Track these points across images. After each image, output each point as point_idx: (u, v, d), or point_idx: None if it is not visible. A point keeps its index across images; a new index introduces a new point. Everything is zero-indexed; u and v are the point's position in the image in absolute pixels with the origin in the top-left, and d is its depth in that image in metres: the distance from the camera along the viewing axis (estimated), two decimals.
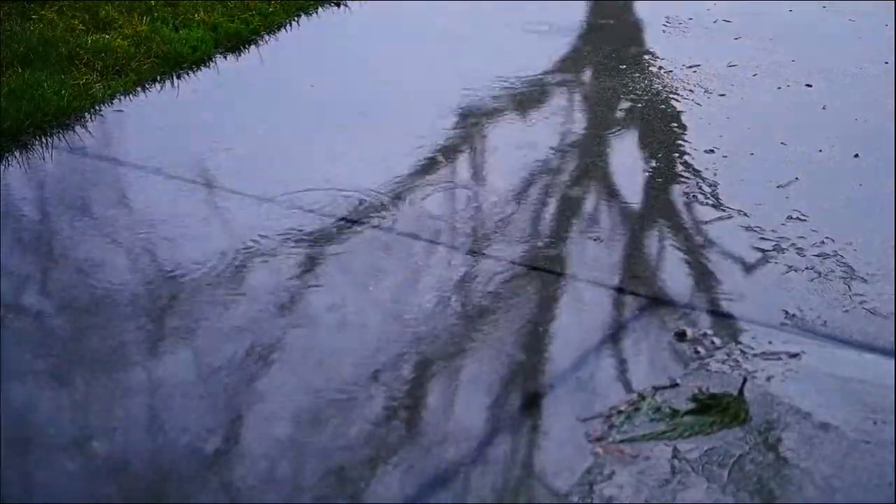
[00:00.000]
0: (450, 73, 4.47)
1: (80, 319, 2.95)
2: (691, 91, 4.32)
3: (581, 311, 3.03)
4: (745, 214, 3.45)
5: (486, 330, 2.93)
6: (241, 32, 4.74)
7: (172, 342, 2.87)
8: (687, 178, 3.69)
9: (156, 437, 2.55)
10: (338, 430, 2.58)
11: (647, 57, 4.65)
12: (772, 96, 4.32)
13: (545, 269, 3.20)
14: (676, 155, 3.84)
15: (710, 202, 3.53)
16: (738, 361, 2.80)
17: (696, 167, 3.75)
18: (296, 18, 4.99)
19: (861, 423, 2.61)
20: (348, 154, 3.82)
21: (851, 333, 2.92)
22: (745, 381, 2.72)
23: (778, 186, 3.63)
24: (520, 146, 3.89)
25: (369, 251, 3.27)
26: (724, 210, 3.48)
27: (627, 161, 3.82)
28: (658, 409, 2.63)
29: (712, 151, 3.85)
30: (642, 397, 2.67)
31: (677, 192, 3.60)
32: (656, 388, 2.71)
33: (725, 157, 3.82)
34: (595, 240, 3.34)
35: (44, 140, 3.84)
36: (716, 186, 3.62)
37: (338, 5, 5.17)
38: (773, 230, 3.37)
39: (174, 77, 4.37)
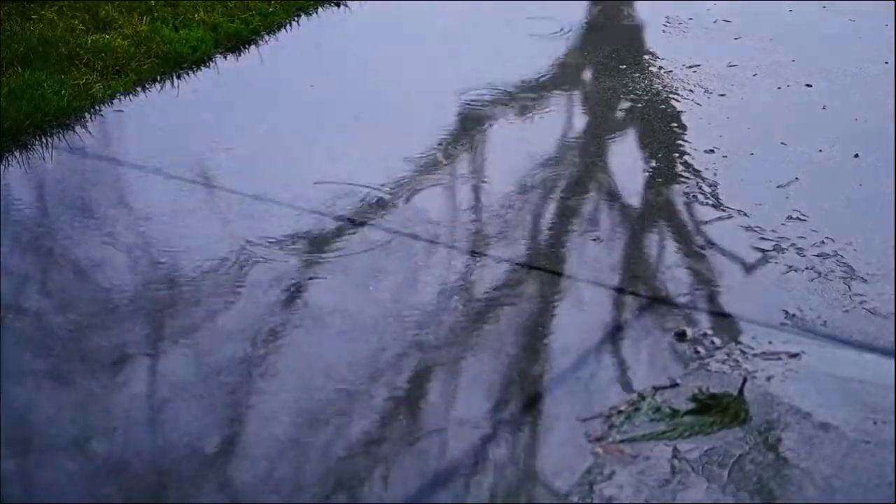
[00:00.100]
0: (450, 73, 4.47)
1: (79, 319, 2.95)
2: (691, 91, 4.32)
3: (581, 311, 3.03)
4: (745, 214, 3.45)
5: (486, 330, 2.93)
6: (241, 32, 4.74)
7: (172, 342, 2.87)
8: (687, 178, 3.69)
9: (155, 437, 2.55)
10: (338, 429, 2.58)
11: (647, 57, 4.65)
12: (772, 96, 4.32)
13: (545, 269, 3.20)
14: (676, 155, 3.84)
15: (710, 202, 3.53)
16: (738, 361, 2.80)
17: (696, 167, 3.75)
18: (296, 18, 4.98)
19: (861, 423, 2.61)
20: (348, 154, 3.82)
21: (851, 333, 2.92)
22: (745, 381, 2.72)
23: (778, 186, 3.63)
24: (520, 146, 3.89)
25: (369, 251, 3.27)
26: (724, 210, 3.48)
27: (627, 161, 3.82)
28: (658, 409, 2.63)
29: (712, 151, 3.85)
30: (642, 397, 2.67)
31: (677, 192, 3.61)
32: (656, 388, 2.71)
33: (725, 157, 3.82)
34: (595, 240, 3.34)
35: (44, 140, 3.84)
36: (716, 186, 3.62)
37: (338, 5, 5.17)
38: (773, 230, 3.37)
39: (174, 77, 4.37)
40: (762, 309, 3.01)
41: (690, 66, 4.53)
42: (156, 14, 4.75)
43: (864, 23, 5.03)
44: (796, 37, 4.86)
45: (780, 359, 2.82)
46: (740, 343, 2.87)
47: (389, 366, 2.78)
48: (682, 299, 3.06)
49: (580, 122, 4.13)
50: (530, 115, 4.15)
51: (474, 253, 3.26)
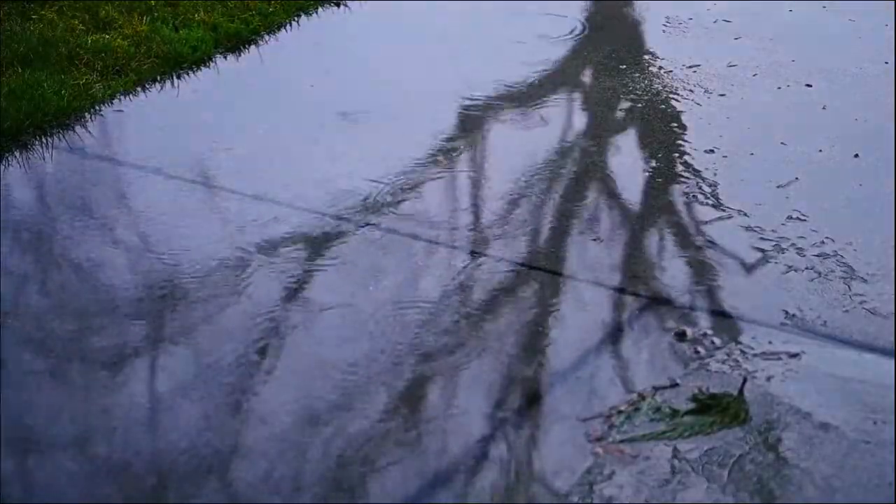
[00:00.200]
0: (450, 73, 4.47)
1: (79, 319, 2.95)
2: (691, 91, 4.31)
3: (581, 311, 3.03)
4: (745, 214, 3.45)
5: (486, 330, 2.93)
6: (241, 32, 4.74)
7: (172, 342, 2.87)
8: (687, 178, 3.69)
9: (155, 437, 2.55)
10: (338, 429, 2.58)
11: (647, 57, 4.65)
12: (772, 96, 4.32)
13: (545, 269, 3.20)
14: (676, 155, 3.84)
15: (710, 202, 3.53)
16: (738, 361, 2.80)
17: (696, 167, 3.75)
18: (296, 18, 4.98)
19: (861, 423, 2.61)
20: (348, 154, 3.82)
21: (851, 333, 2.92)
22: (745, 381, 2.72)
23: (778, 186, 3.63)
24: (519, 146, 3.89)
25: (369, 251, 3.27)
26: (724, 210, 3.48)
27: (627, 161, 3.82)
28: (658, 409, 2.63)
29: (712, 151, 3.85)
30: (642, 397, 2.67)
31: (677, 192, 3.60)
32: (656, 388, 2.71)
33: (725, 157, 3.82)
34: (595, 240, 3.34)
35: (44, 140, 3.84)
36: (716, 186, 3.62)
37: (338, 5, 5.17)
38: (773, 230, 3.37)
39: (174, 77, 4.37)
40: (762, 309, 3.01)
41: (690, 66, 4.53)
42: (156, 14, 4.75)
43: (864, 23, 5.03)
44: (796, 37, 4.86)
45: (780, 359, 2.82)
46: (740, 343, 2.87)
47: (389, 365, 2.78)
48: (682, 299, 3.06)
49: (580, 121, 4.13)
50: (530, 114, 4.15)
51: (474, 253, 3.26)
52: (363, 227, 3.39)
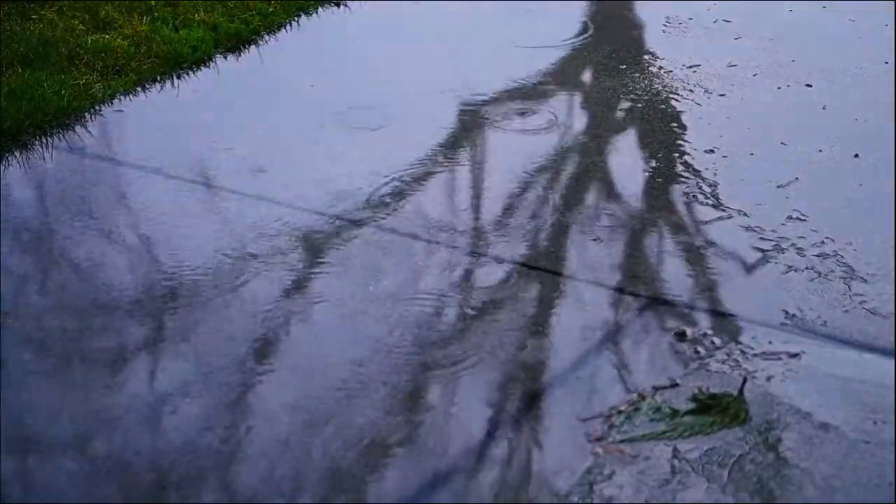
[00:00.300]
0: (450, 73, 4.47)
1: (79, 319, 2.96)
2: (691, 91, 4.31)
3: (581, 311, 3.03)
4: (745, 214, 3.45)
5: (486, 329, 2.93)
6: (241, 32, 4.74)
7: (172, 342, 2.87)
8: (687, 178, 3.69)
9: (155, 437, 2.55)
10: (338, 429, 2.58)
11: (647, 57, 4.65)
12: (772, 96, 4.32)
13: (545, 269, 3.20)
14: (676, 155, 3.84)
15: (710, 202, 3.53)
16: (738, 361, 2.80)
17: (696, 167, 3.75)
18: (296, 18, 4.98)
19: (861, 423, 2.61)
20: (348, 154, 3.82)
21: (851, 333, 2.92)
22: (745, 381, 2.72)
23: (778, 186, 3.63)
24: (519, 146, 3.89)
25: (369, 251, 3.27)
26: (724, 210, 3.48)
27: (627, 161, 3.82)
28: (658, 409, 2.63)
29: (712, 151, 3.85)
30: (642, 397, 2.67)
31: (677, 192, 3.60)
32: (656, 388, 2.71)
33: (725, 157, 3.82)
34: (595, 240, 3.34)
35: (44, 140, 3.84)
36: (716, 186, 3.62)
37: (338, 5, 5.17)
38: (773, 230, 3.37)
39: (174, 77, 4.37)
40: (762, 309, 3.01)
41: (690, 66, 4.53)
42: (156, 14, 4.75)
43: (864, 23, 5.03)
44: (796, 37, 4.86)
45: (780, 359, 2.82)
46: (740, 343, 2.87)
47: (389, 364, 2.78)
48: (682, 299, 3.06)
49: (580, 121, 4.13)
50: (530, 114, 4.15)
51: (474, 253, 3.26)
52: (363, 226, 3.39)
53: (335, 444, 2.54)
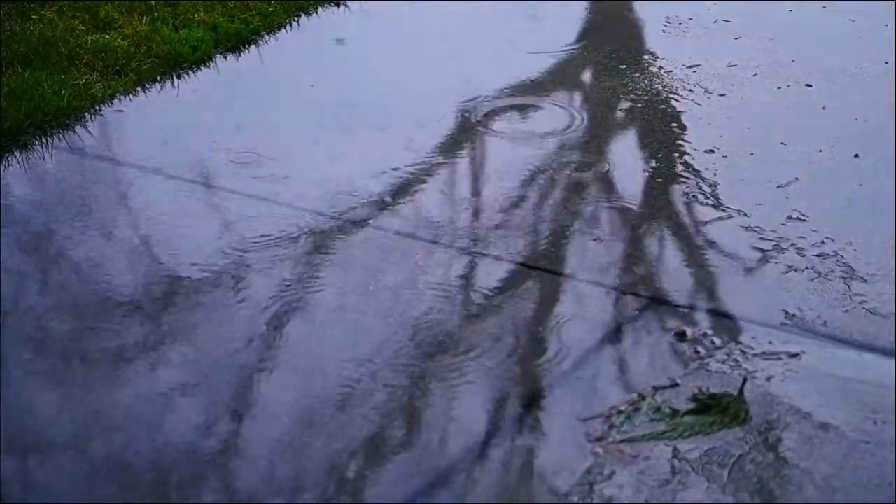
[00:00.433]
0: (450, 73, 4.47)
1: (79, 319, 2.95)
2: (691, 91, 4.31)
3: (581, 311, 3.03)
4: (745, 214, 3.45)
5: (486, 330, 2.93)
6: (241, 32, 4.73)
7: (172, 341, 2.87)
8: (687, 178, 3.69)
9: (154, 437, 2.55)
10: (338, 429, 2.58)
11: (647, 57, 4.65)
12: (772, 96, 4.32)
13: (545, 269, 3.20)
14: (676, 155, 3.84)
15: (710, 202, 3.53)
16: (738, 361, 2.80)
17: (696, 167, 3.75)
18: (296, 18, 4.98)
19: (861, 423, 2.61)
20: (348, 154, 3.82)
21: (851, 333, 2.92)
22: (745, 381, 2.72)
23: (778, 186, 3.63)
24: (520, 145, 3.89)
25: (369, 251, 3.27)
26: (724, 210, 3.48)
27: (627, 161, 3.82)
28: (658, 409, 2.63)
29: (712, 151, 3.85)
30: (642, 397, 2.67)
31: (677, 192, 3.60)
32: (656, 388, 2.71)
33: (725, 157, 3.82)
34: (595, 240, 3.34)
35: (44, 140, 3.84)
36: (716, 186, 3.62)
37: (338, 5, 5.17)
38: (773, 230, 3.37)
39: (174, 77, 4.37)
40: (762, 309, 3.01)
41: (690, 66, 4.53)
42: (156, 14, 4.75)
43: (864, 23, 5.03)
44: (796, 37, 4.86)
45: (780, 359, 2.82)
46: (740, 343, 2.87)
47: (389, 364, 2.78)
48: (682, 299, 3.06)
49: (580, 121, 4.12)
50: (530, 114, 4.15)
51: (474, 253, 3.26)
52: (363, 226, 3.39)
53: (335, 444, 2.53)
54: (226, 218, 3.43)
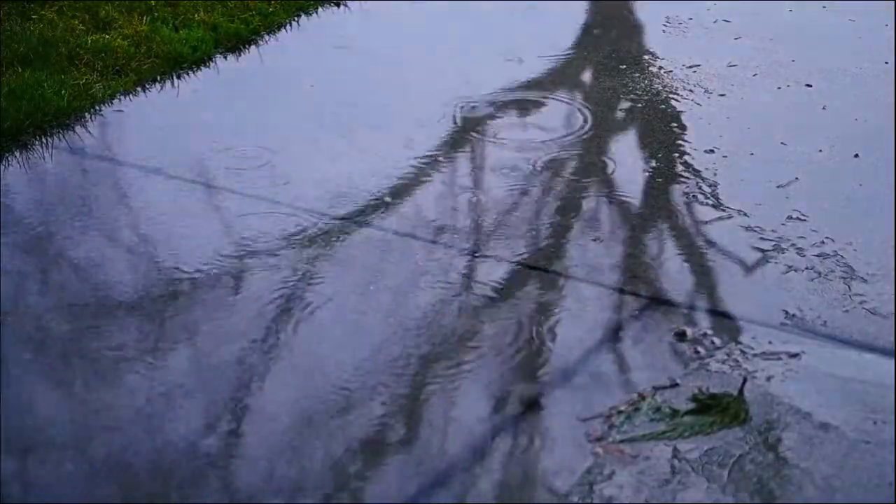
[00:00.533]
0: (450, 73, 4.47)
1: (79, 319, 2.95)
2: (691, 91, 4.31)
3: (581, 311, 3.03)
4: (745, 214, 3.45)
5: (486, 330, 2.93)
6: (241, 32, 4.74)
7: (172, 341, 2.87)
8: (687, 178, 3.69)
9: (155, 437, 2.55)
10: (338, 429, 2.58)
11: (647, 57, 4.65)
12: (772, 96, 4.32)
13: (545, 269, 3.20)
14: (676, 155, 3.84)
15: (710, 202, 3.53)
16: (738, 361, 2.80)
17: (696, 167, 3.75)
18: (296, 18, 4.98)
19: (861, 423, 2.61)
20: (348, 154, 3.82)
21: (851, 333, 2.92)
22: (745, 381, 2.72)
23: (778, 186, 3.63)
24: (520, 145, 3.89)
25: (369, 251, 3.27)
26: (724, 210, 3.48)
27: (627, 161, 3.82)
28: (658, 409, 2.63)
29: (712, 151, 3.85)
30: (642, 397, 2.67)
31: (677, 192, 3.60)
32: (656, 388, 2.71)
33: (725, 157, 3.82)
34: (595, 240, 3.34)
35: (44, 140, 3.84)
36: (716, 186, 3.62)
37: (338, 5, 5.17)
38: (773, 230, 3.37)
39: (174, 77, 4.37)
40: (762, 309, 3.01)
41: (690, 66, 4.53)
42: (156, 14, 4.75)
43: (864, 23, 5.03)
44: (796, 37, 4.86)
45: (780, 359, 2.82)
46: (740, 343, 2.87)
47: (389, 364, 2.78)
48: (682, 299, 3.06)
49: (580, 121, 4.12)
50: (530, 114, 4.15)
51: (474, 253, 3.26)
52: (363, 226, 3.39)
53: (335, 444, 2.53)
54: (225, 218, 3.43)
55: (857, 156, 3.82)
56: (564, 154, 3.86)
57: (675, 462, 2.48)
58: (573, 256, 3.26)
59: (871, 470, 2.48)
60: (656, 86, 4.35)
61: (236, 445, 2.54)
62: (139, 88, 4.24)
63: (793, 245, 3.29)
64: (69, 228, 3.37)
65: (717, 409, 2.63)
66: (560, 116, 4.15)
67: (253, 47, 4.71)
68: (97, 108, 4.06)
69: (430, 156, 3.82)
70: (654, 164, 3.79)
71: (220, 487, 2.44)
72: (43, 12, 4.70)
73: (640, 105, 4.21)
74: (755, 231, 3.37)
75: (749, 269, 3.20)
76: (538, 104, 4.23)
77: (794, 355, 2.83)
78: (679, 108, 4.18)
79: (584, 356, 2.83)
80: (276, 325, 2.93)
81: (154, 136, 3.93)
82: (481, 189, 3.62)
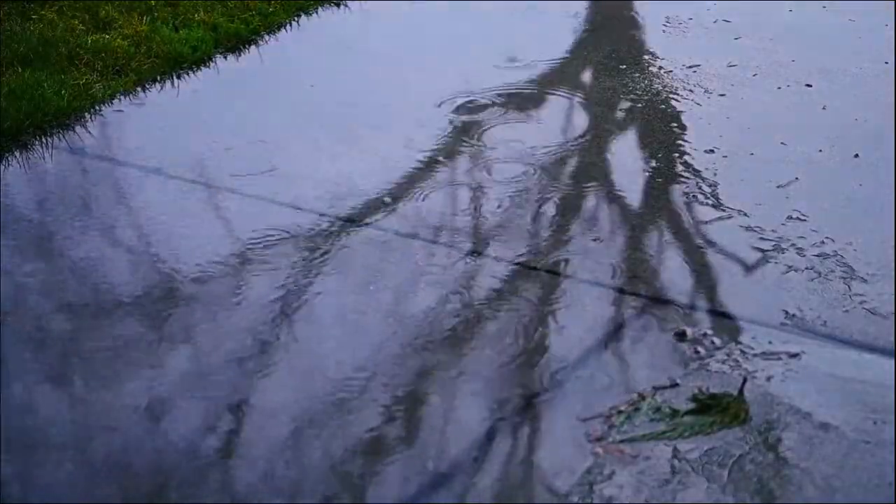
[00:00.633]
0: (450, 73, 4.46)
1: (79, 319, 2.96)
2: (691, 91, 4.31)
3: (581, 311, 3.03)
4: (745, 214, 3.45)
5: (486, 330, 2.93)
6: (241, 32, 4.74)
7: (172, 341, 2.87)
8: (687, 178, 3.69)
9: (155, 437, 2.55)
10: (338, 429, 2.58)
11: (647, 57, 4.65)
12: (772, 96, 4.32)
13: (545, 269, 3.20)
14: (676, 155, 3.84)
15: (710, 202, 3.53)
16: (738, 361, 2.80)
17: (696, 167, 3.75)
18: (296, 18, 4.98)
19: (861, 423, 2.61)
20: (348, 154, 3.82)
21: (851, 333, 2.92)
22: (745, 381, 2.72)
23: (778, 186, 3.63)
24: (519, 146, 3.89)
25: (369, 251, 3.27)
26: (724, 210, 3.48)
27: (627, 161, 3.82)
28: (658, 409, 2.63)
29: (712, 151, 3.85)
30: (642, 397, 2.67)
31: (677, 192, 3.60)
32: (656, 388, 2.71)
33: (725, 157, 3.82)
34: (595, 240, 3.34)
35: (44, 140, 3.84)
36: (716, 186, 3.62)
37: (338, 5, 5.17)
38: (773, 230, 3.37)
39: (174, 77, 4.37)
40: (762, 309, 3.01)
41: (690, 66, 4.53)
42: (156, 14, 4.75)
43: (864, 23, 5.03)
44: (796, 37, 4.86)
45: (780, 359, 2.82)
46: (740, 343, 2.87)
47: (389, 364, 2.78)
48: (682, 299, 3.06)
49: (580, 121, 4.12)
50: (530, 114, 4.15)
51: (474, 253, 3.26)
52: (363, 226, 3.39)
53: (335, 443, 2.54)
54: (226, 218, 3.43)
55: (857, 156, 3.82)
56: (564, 154, 3.86)
57: (675, 462, 2.49)
58: (573, 256, 3.26)
59: (871, 470, 2.48)
60: (656, 86, 4.35)
61: (236, 445, 2.54)
62: (139, 88, 4.25)
63: (793, 245, 3.29)
64: (69, 228, 3.37)
65: (717, 409, 2.64)
66: (560, 116, 4.15)
67: (253, 47, 4.71)
68: (97, 108, 4.06)
69: (430, 155, 3.82)
70: (654, 164, 3.79)
71: (220, 487, 2.44)
72: (43, 12, 4.70)
73: (640, 105, 4.21)
74: (755, 231, 3.37)
75: (749, 269, 3.21)
76: (538, 104, 4.23)
77: (794, 355, 2.83)
78: (679, 108, 4.18)
79: (584, 356, 2.83)
80: (276, 325, 2.93)
81: (154, 136, 3.93)
82: (481, 189, 3.62)
